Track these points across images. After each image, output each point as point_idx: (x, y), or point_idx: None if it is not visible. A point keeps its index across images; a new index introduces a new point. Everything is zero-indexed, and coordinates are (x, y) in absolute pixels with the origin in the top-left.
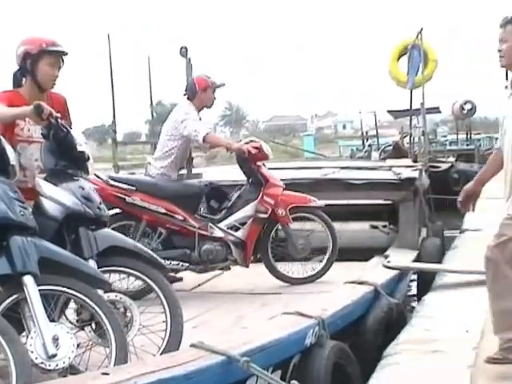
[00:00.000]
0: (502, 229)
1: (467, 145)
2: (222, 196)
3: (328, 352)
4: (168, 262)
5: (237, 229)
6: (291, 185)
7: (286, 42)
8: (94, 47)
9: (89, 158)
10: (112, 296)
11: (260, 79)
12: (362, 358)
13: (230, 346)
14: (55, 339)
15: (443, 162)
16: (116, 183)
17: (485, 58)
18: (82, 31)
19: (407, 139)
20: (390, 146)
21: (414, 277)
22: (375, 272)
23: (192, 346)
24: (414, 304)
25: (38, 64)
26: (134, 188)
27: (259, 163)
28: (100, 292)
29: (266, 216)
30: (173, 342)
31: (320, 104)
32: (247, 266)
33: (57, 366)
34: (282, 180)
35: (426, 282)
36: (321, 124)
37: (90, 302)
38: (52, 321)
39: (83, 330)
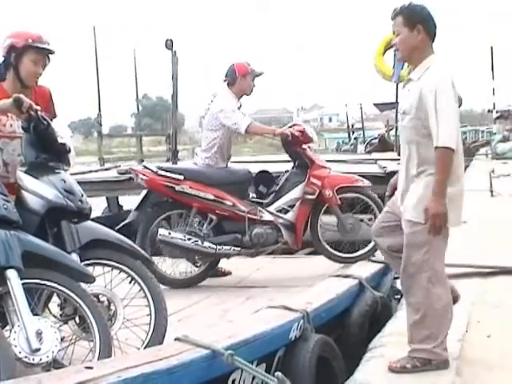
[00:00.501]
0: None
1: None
2: (269, 180)
3: (312, 345)
4: (220, 247)
5: (286, 211)
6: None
7: (272, 35)
8: (79, 40)
9: (70, 151)
10: (96, 289)
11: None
12: (346, 351)
13: (214, 340)
14: (39, 333)
15: None
16: (165, 173)
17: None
18: (67, 23)
19: (393, 132)
20: (375, 139)
21: None
22: (360, 265)
23: (176, 339)
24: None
25: (21, 58)
26: (182, 177)
27: (304, 146)
28: (84, 285)
29: (313, 197)
30: (157, 336)
31: (306, 97)
32: (298, 247)
33: (40, 360)
34: None
35: None
36: (307, 117)
37: (74, 296)
38: (35, 315)
39: (67, 323)
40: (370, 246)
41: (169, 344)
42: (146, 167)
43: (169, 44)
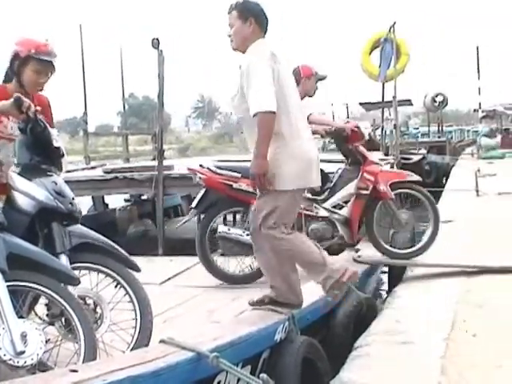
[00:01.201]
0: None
1: (439, 137)
2: (323, 178)
3: (298, 347)
4: None
5: (341, 207)
6: None
7: None
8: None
9: (63, 155)
10: (82, 292)
11: (232, 71)
12: (332, 352)
13: (199, 342)
14: (23, 336)
15: (415, 153)
16: (222, 171)
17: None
18: (53, 21)
19: (379, 131)
20: None
21: (386, 269)
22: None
23: (161, 341)
24: (385, 297)
25: (24, 68)
26: (239, 175)
27: (357, 143)
28: (70, 288)
29: (367, 192)
30: (142, 340)
31: None
32: (354, 242)
33: (25, 362)
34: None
35: (396, 276)
36: None
37: (59, 298)
38: (20, 317)
39: (53, 325)
40: (425, 239)
41: (154, 346)
42: (203, 166)
43: (155, 43)
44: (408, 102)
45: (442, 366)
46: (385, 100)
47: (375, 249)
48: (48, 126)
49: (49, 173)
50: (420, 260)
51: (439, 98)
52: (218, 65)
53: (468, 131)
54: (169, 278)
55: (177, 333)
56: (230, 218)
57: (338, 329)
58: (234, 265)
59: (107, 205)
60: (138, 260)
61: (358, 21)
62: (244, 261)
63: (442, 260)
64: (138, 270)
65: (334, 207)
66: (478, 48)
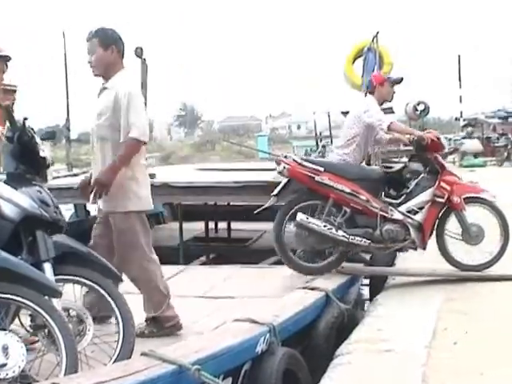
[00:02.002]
0: None
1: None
2: (401, 183)
3: (279, 359)
4: (352, 237)
5: (415, 213)
6: (245, 187)
7: (240, 42)
8: (48, 45)
9: (49, 165)
10: (66, 304)
11: (215, 79)
12: (313, 363)
13: (181, 354)
14: (5, 348)
15: (396, 162)
16: (307, 163)
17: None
18: (36, 28)
19: None
20: None
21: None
22: (327, 277)
23: (143, 354)
24: (367, 307)
25: None
26: (322, 168)
27: (436, 153)
28: (55, 300)
29: (442, 200)
30: (124, 353)
31: (275, 104)
32: (424, 248)
33: (6, 375)
34: (236, 182)
35: (378, 285)
36: (275, 124)
37: (41, 311)
38: (2, 329)
39: (36, 336)
40: (496, 252)
41: (136, 359)
42: (286, 156)
43: (138, 52)
44: (390, 110)
45: (423, 374)
46: None
47: (443, 258)
48: (34, 134)
49: (34, 182)
50: (401, 269)
51: (421, 107)
52: (200, 73)
53: (449, 139)
54: None
55: (159, 344)
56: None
57: (320, 340)
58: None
59: (89, 212)
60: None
61: (341, 30)
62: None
63: (423, 268)
64: (120, 280)
65: (409, 212)
66: (459, 57)
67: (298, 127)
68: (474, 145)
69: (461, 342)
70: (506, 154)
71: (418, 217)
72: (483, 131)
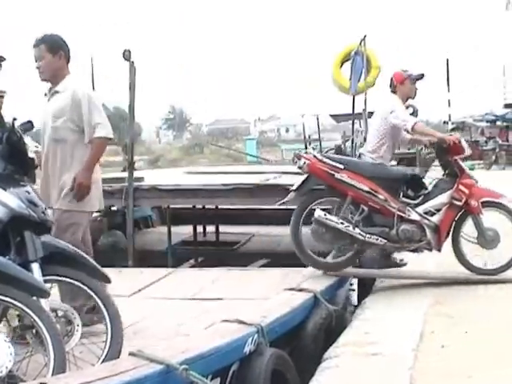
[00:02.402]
0: None
1: (408, 148)
2: (419, 185)
3: (267, 360)
4: (369, 236)
5: (432, 214)
6: (233, 190)
7: (229, 45)
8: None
9: (37, 166)
10: (54, 304)
11: (203, 82)
12: (301, 364)
13: (168, 355)
14: None
15: None
16: (327, 160)
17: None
18: (23, 31)
19: (349, 143)
20: (332, 150)
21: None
22: (315, 278)
23: (131, 354)
24: (355, 309)
25: None
26: (342, 166)
27: (457, 156)
28: (43, 301)
29: (460, 203)
30: (112, 353)
31: (263, 107)
32: (439, 250)
33: None
34: (224, 185)
35: (366, 287)
36: (264, 127)
37: (29, 311)
38: None
39: (25, 336)
40: (509, 258)
41: (123, 359)
42: (306, 153)
43: (126, 55)
44: None
45: (410, 377)
46: (355, 112)
47: (458, 262)
48: (23, 135)
49: (22, 182)
50: (389, 271)
51: (409, 110)
52: (189, 76)
53: None
54: (139, 290)
55: (147, 344)
56: None
57: (308, 341)
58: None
59: None
60: (108, 271)
61: (329, 33)
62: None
63: (411, 271)
64: (108, 281)
65: (426, 213)
66: (447, 61)
67: (287, 130)
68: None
69: (448, 346)
70: (493, 157)
71: (435, 218)
72: (471, 135)
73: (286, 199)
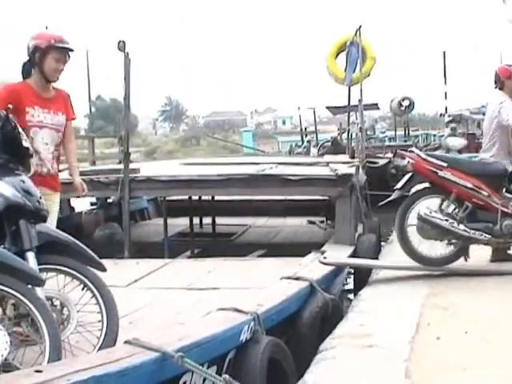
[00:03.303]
0: None
1: (405, 141)
2: None
3: (263, 347)
4: (473, 232)
5: None
6: (228, 180)
7: (226, 37)
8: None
9: (32, 156)
10: (49, 292)
11: (200, 74)
12: (297, 352)
13: (164, 342)
14: None
15: (381, 157)
16: (430, 159)
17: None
18: (19, 23)
19: (345, 135)
20: (328, 141)
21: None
22: (311, 268)
23: (127, 342)
24: (351, 298)
25: (45, 57)
26: (445, 164)
27: None
28: (38, 289)
29: None
30: (108, 342)
31: (260, 100)
32: None
33: None
34: (219, 175)
35: (362, 277)
36: (261, 119)
37: (23, 299)
38: None
39: (19, 325)
40: None
41: (119, 347)
42: (413, 151)
43: (121, 46)
44: (375, 106)
45: (406, 369)
46: (351, 104)
47: None
48: (17, 124)
49: (17, 172)
50: (385, 262)
51: (406, 103)
52: (186, 68)
53: (434, 135)
54: (135, 280)
55: (143, 334)
56: None
57: (304, 329)
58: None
59: (73, 208)
60: (104, 263)
61: (325, 24)
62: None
63: (407, 263)
64: (104, 269)
65: None
66: (444, 53)
67: (283, 122)
68: (457, 141)
69: (444, 337)
70: None
71: None
72: (468, 127)
73: (392, 197)
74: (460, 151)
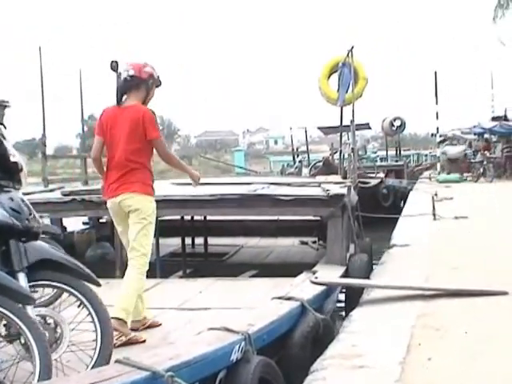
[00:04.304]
0: None
1: (396, 161)
2: None
3: (254, 367)
4: None
5: None
6: (221, 200)
7: (219, 57)
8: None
9: (22, 169)
10: (43, 311)
11: (193, 94)
12: (288, 372)
13: (155, 362)
14: None
15: (373, 177)
16: None
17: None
18: (13, 43)
19: (337, 155)
20: (320, 162)
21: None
22: (302, 288)
23: (117, 361)
24: (343, 318)
25: (153, 86)
26: None
27: None
28: (29, 307)
29: None
30: (102, 361)
31: (252, 119)
32: None
33: None
34: (212, 195)
35: (354, 297)
36: (253, 139)
37: (14, 318)
38: None
39: (11, 343)
40: None
41: (109, 366)
42: None
43: (114, 66)
44: (366, 126)
45: None
46: (343, 124)
47: None
48: (3, 140)
49: (6, 188)
50: (376, 282)
51: (397, 123)
52: (178, 88)
53: (426, 155)
54: None
55: (133, 353)
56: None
57: (295, 349)
58: None
59: (65, 228)
60: None
61: (317, 45)
62: None
63: (398, 283)
64: (98, 284)
65: None
66: (435, 73)
67: (275, 142)
68: (455, 149)
69: (435, 358)
70: (481, 169)
71: None
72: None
73: None
74: (449, 172)
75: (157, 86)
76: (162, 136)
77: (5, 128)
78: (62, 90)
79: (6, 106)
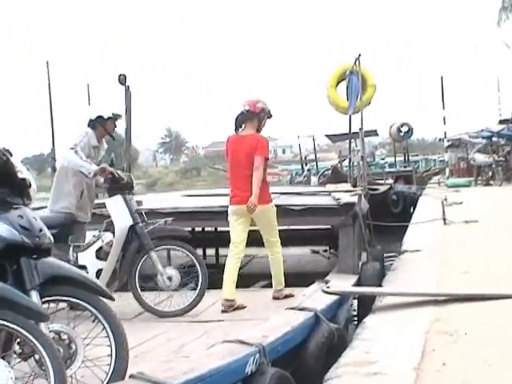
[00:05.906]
0: None
1: (405, 166)
2: None
3: (269, 379)
4: None
5: None
6: None
7: (224, 67)
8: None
9: (30, 185)
10: (57, 327)
11: (200, 105)
12: (303, 383)
13: (169, 376)
14: None
15: (382, 184)
16: None
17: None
18: (20, 58)
19: (346, 163)
20: (328, 170)
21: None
22: (315, 297)
23: (131, 376)
24: (356, 326)
25: (264, 119)
26: None
27: None
28: (43, 324)
29: None
30: (116, 377)
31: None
32: None
33: None
34: (222, 207)
35: (366, 305)
36: None
37: (28, 335)
38: None
39: (26, 361)
40: None
41: (124, 381)
42: None
43: (122, 79)
44: (374, 133)
45: None
46: (352, 131)
47: None
48: (10, 157)
49: (15, 206)
50: (388, 290)
51: (405, 128)
52: (185, 98)
53: (434, 160)
54: (140, 313)
55: (147, 367)
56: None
57: (310, 360)
58: None
59: None
60: None
61: (317, 45)
62: None
63: (411, 289)
64: (111, 299)
65: None
66: (442, 78)
67: (283, 151)
68: (484, 157)
69: (449, 363)
70: (490, 173)
71: None
72: (467, 151)
73: None
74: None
75: (268, 118)
76: (263, 157)
77: None
78: (70, 104)
79: (117, 119)
